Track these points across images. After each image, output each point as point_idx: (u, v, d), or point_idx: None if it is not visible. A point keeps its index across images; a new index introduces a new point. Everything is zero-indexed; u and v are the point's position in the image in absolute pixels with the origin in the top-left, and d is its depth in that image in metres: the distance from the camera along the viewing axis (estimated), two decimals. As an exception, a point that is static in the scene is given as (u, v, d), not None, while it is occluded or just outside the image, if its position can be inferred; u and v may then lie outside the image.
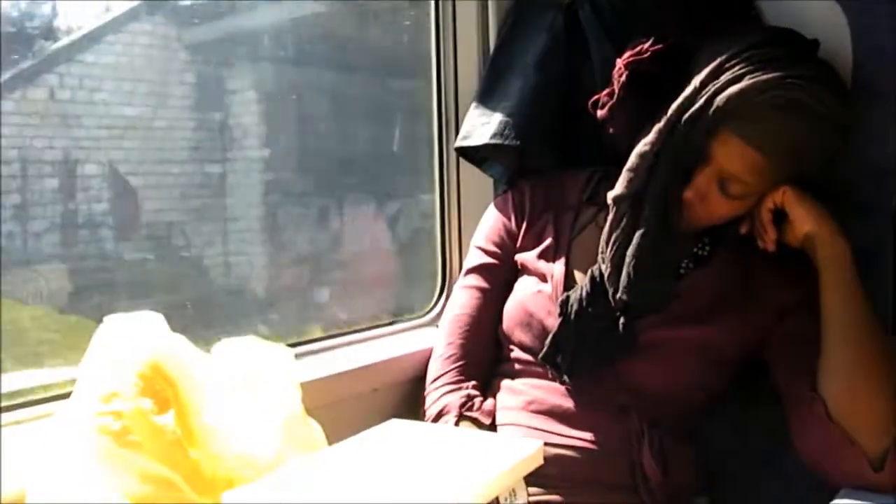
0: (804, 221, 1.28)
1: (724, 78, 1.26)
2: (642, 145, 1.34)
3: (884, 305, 1.36)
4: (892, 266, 1.39)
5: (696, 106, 1.28)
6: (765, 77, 1.23)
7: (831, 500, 1.21)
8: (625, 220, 1.35)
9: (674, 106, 1.31)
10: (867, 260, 1.30)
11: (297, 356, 1.29)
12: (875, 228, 1.38)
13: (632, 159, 1.35)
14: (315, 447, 1.18)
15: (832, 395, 1.25)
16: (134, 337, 1.09)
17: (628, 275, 1.33)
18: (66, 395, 1.11)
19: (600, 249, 1.39)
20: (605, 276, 1.36)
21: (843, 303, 1.26)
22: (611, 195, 1.38)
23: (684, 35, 1.38)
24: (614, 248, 1.36)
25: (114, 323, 1.12)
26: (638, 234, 1.33)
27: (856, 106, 1.32)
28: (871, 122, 1.37)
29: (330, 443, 1.19)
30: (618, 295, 1.34)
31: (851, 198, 1.38)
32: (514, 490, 1.07)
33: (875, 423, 1.23)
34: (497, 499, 1.06)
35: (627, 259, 1.33)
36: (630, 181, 1.35)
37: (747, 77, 1.24)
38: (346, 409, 1.45)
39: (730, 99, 1.24)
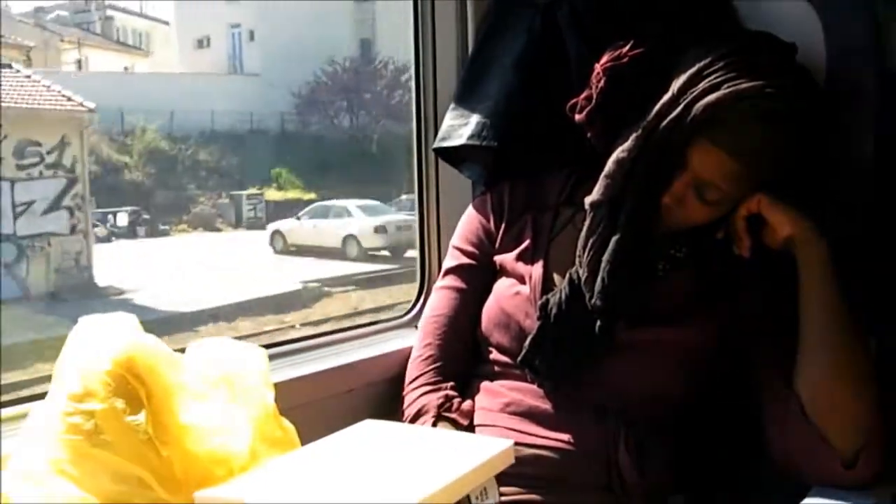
0: (783, 225, 1.29)
1: (702, 85, 1.27)
2: (619, 152, 1.34)
3: (859, 305, 1.37)
4: (867, 267, 1.39)
5: (674, 114, 1.28)
6: (743, 86, 1.24)
7: (804, 498, 1.22)
8: (601, 225, 1.36)
9: (651, 113, 1.31)
10: (843, 260, 1.31)
11: (272, 356, 1.29)
12: (850, 228, 1.39)
13: (609, 166, 1.36)
14: (288, 448, 1.18)
15: (809, 393, 1.26)
16: (107, 336, 1.09)
17: (602, 280, 1.34)
18: (42, 396, 1.11)
19: (577, 253, 1.39)
20: (582, 280, 1.37)
21: (822, 302, 1.27)
22: (588, 200, 1.38)
23: (662, 37, 1.38)
24: (590, 253, 1.36)
25: (87, 323, 1.13)
26: (614, 240, 1.34)
27: (830, 105, 1.33)
28: (845, 122, 1.37)
29: (305, 443, 1.20)
30: (593, 300, 1.35)
31: (827, 197, 1.39)
32: (485, 489, 1.08)
33: (849, 422, 1.25)
34: (468, 497, 1.06)
35: (602, 265, 1.34)
36: (607, 187, 1.36)
37: (725, 85, 1.25)
38: (321, 409, 1.45)
39: (707, 107, 1.25)
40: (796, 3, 1.41)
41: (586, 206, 1.39)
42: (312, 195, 19.02)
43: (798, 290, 1.29)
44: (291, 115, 22.77)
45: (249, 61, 25.03)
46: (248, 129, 22.03)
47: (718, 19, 1.50)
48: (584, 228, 1.39)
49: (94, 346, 1.08)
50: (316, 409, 1.43)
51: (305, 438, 1.20)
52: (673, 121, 1.28)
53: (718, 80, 1.26)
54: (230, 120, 21.31)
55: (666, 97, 1.30)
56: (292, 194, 19.84)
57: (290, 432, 1.20)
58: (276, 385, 1.21)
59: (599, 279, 1.34)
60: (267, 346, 1.31)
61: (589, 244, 1.37)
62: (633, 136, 1.33)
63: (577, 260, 1.39)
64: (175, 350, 1.14)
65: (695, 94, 1.27)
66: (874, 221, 1.38)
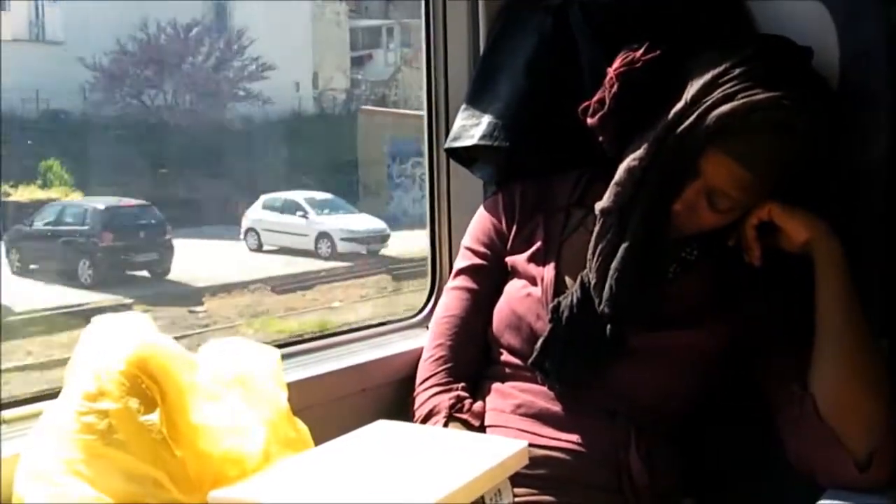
0: (800, 231, 1.29)
1: (715, 94, 1.26)
2: (630, 160, 1.34)
3: (871, 308, 1.36)
4: (881, 269, 1.39)
5: (687, 123, 1.28)
6: (757, 97, 1.24)
7: (817, 500, 1.22)
8: (611, 232, 1.36)
9: (664, 121, 1.31)
10: (858, 262, 1.30)
11: (285, 356, 1.29)
12: (863, 231, 1.38)
13: (620, 173, 1.36)
14: (301, 448, 1.18)
15: (823, 394, 1.26)
16: (120, 336, 1.09)
17: (610, 287, 1.34)
18: (56, 395, 1.11)
19: (588, 257, 1.39)
20: (591, 285, 1.37)
21: (838, 302, 1.27)
22: (598, 206, 1.38)
23: (675, 38, 1.38)
24: (600, 259, 1.36)
25: (101, 322, 1.13)
26: (623, 247, 1.34)
27: (843, 108, 1.33)
28: (859, 124, 1.37)
29: (318, 443, 1.20)
30: (601, 307, 1.35)
31: (839, 200, 1.38)
32: (499, 490, 1.08)
33: (863, 423, 1.24)
34: (482, 498, 1.06)
35: (611, 272, 1.34)
36: (617, 195, 1.36)
37: (739, 95, 1.25)
38: (334, 409, 1.45)
39: (721, 118, 1.25)
40: (810, 5, 1.40)
41: (596, 212, 1.39)
42: (78, 195, 14.01)
43: (811, 292, 1.29)
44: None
45: (53, 27, 18.38)
46: (36, 110, 16.63)
47: (732, 21, 1.50)
48: (594, 234, 1.39)
49: (108, 346, 1.08)
50: (328, 409, 1.43)
51: (318, 438, 1.21)
52: (686, 129, 1.28)
53: (733, 89, 1.25)
54: (8, 98, 15.09)
55: (679, 105, 1.30)
56: (54, 193, 14.16)
57: (304, 433, 1.20)
58: (289, 385, 1.21)
59: (608, 286, 1.34)
60: (279, 346, 1.31)
61: (598, 250, 1.37)
62: (645, 144, 1.33)
63: (587, 264, 1.39)
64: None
65: (708, 103, 1.27)
66: (889, 224, 1.37)
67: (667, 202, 1.33)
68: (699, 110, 1.27)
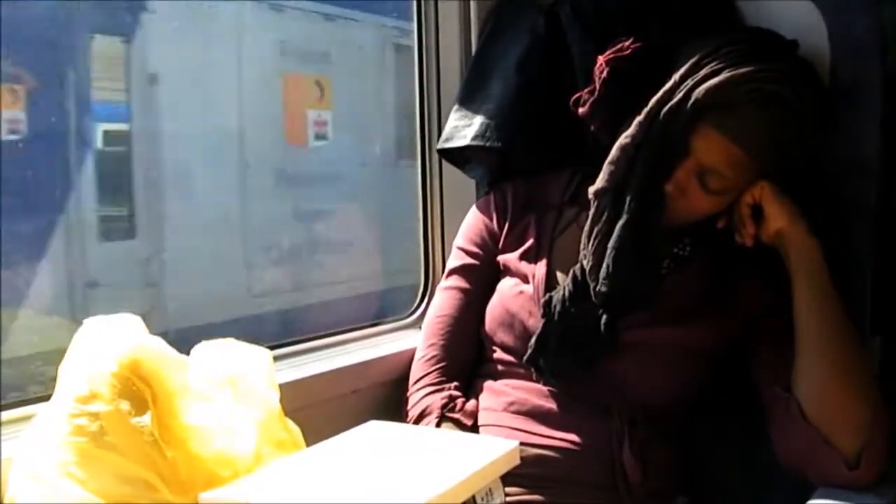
0: (778, 218, 1.29)
1: (703, 72, 1.28)
2: (623, 138, 1.35)
3: (862, 306, 1.37)
4: (871, 267, 1.39)
5: (676, 99, 1.29)
6: (743, 70, 1.25)
7: (808, 498, 1.22)
8: (606, 213, 1.36)
9: (654, 99, 1.32)
10: (845, 260, 1.30)
11: (277, 357, 1.29)
12: (853, 228, 1.39)
13: (613, 152, 1.36)
14: (293, 449, 1.18)
15: (806, 395, 1.26)
16: (112, 338, 1.09)
17: (608, 266, 1.33)
18: (48, 397, 1.11)
19: (582, 245, 1.39)
20: (587, 270, 1.36)
21: (813, 301, 1.27)
22: (592, 189, 1.38)
23: (665, 35, 1.39)
24: (596, 241, 1.36)
25: (92, 324, 1.13)
26: (619, 224, 1.34)
27: (834, 105, 1.33)
28: (849, 122, 1.38)
29: (310, 444, 1.20)
30: (598, 287, 1.34)
31: (830, 197, 1.39)
32: (490, 490, 1.08)
33: (849, 423, 1.24)
34: (473, 498, 1.06)
35: (608, 251, 1.34)
36: (611, 174, 1.36)
37: (726, 71, 1.26)
38: (326, 410, 1.45)
39: (708, 92, 1.26)
40: (800, 4, 1.41)
41: (590, 196, 1.38)
42: None
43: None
44: None
45: None
46: None
47: (722, 20, 1.51)
48: (589, 218, 1.38)
49: (99, 348, 1.08)
50: (320, 410, 1.43)
51: (310, 439, 1.21)
52: (674, 106, 1.29)
53: (719, 66, 1.27)
54: None
55: (668, 84, 1.31)
56: None
57: (295, 433, 1.20)
58: (281, 386, 1.21)
59: (605, 265, 1.34)
60: (271, 347, 1.31)
61: (594, 233, 1.37)
62: (636, 121, 1.33)
63: (581, 252, 1.39)
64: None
65: (695, 79, 1.28)
66: (879, 222, 1.38)
67: (659, 181, 1.33)
68: (687, 87, 1.28)
